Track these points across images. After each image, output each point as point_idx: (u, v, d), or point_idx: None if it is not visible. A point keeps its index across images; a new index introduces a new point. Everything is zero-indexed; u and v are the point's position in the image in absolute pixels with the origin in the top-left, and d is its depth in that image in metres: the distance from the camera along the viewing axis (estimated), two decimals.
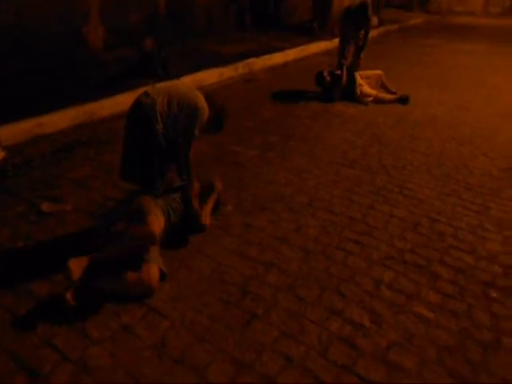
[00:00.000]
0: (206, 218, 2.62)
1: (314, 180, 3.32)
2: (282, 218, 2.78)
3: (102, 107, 4.20)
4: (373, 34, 10.68)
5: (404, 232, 2.70)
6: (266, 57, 6.97)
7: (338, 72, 5.31)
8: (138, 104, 2.39)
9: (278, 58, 7.23)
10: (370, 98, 5.32)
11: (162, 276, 2.15)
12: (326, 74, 5.38)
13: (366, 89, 5.37)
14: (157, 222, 2.20)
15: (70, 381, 1.63)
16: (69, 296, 1.93)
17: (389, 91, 5.59)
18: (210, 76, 5.75)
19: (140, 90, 2.60)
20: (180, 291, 2.12)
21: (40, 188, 2.99)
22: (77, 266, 2.01)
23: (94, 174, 3.22)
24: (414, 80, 6.52)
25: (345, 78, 5.30)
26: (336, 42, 5.85)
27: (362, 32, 5.40)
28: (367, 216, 2.86)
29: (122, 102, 4.17)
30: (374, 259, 2.43)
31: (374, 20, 12.02)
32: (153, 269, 2.09)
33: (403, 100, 5.32)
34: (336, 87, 5.31)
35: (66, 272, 1.99)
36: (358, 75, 5.39)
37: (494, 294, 2.20)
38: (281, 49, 7.55)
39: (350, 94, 5.33)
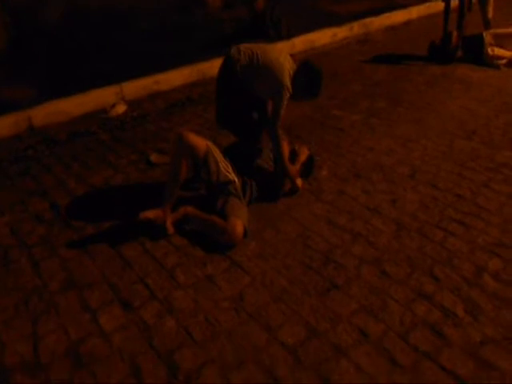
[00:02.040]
0: (298, 180, 2.59)
1: (421, 151, 3.03)
2: (377, 189, 2.61)
3: (212, 66, 4.32)
4: None
5: None
6: (386, 15, 6.42)
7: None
8: (226, 55, 2.54)
9: (399, 17, 6.62)
10: (504, 61, 4.59)
11: (245, 233, 2.20)
12: (437, 41, 4.90)
13: (498, 50, 4.62)
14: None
15: (155, 318, 1.79)
16: (169, 224, 2.24)
17: None
18: (323, 36, 5.51)
19: None
20: (264, 250, 2.15)
21: (152, 140, 3.25)
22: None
23: (199, 130, 3.37)
24: None
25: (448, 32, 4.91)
26: None
27: None
28: (478, 195, 2.54)
29: None
30: (480, 244, 2.16)
31: None
32: (238, 224, 2.16)
33: None
34: (447, 46, 4.80)
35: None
36: (487, 34, 4.67)
37: None
38: (404, 6, 6.87)
39: (477, 55, 4.66)
